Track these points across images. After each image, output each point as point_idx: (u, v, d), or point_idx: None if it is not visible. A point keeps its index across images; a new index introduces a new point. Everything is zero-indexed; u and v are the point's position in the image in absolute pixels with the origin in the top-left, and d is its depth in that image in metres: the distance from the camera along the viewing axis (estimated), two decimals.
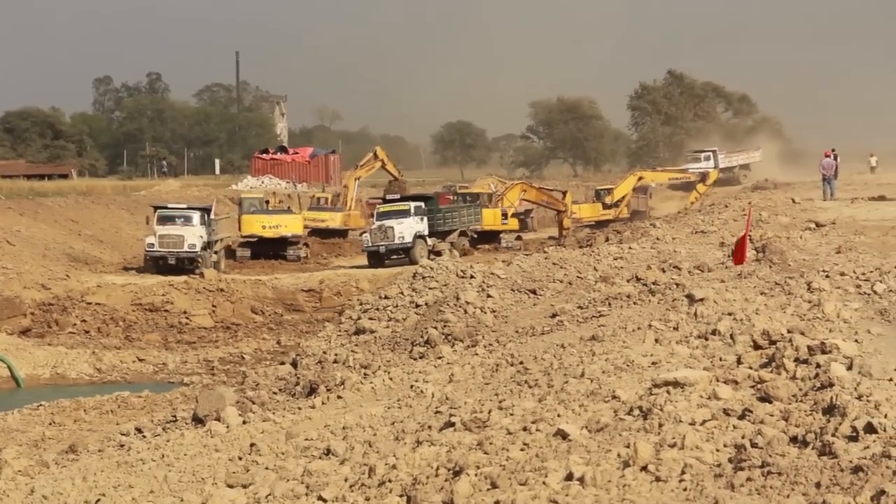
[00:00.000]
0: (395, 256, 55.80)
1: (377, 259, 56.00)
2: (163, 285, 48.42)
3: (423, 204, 59.32)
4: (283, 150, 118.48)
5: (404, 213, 58.02)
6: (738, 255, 25.36)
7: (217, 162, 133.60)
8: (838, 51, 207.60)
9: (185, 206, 60.25)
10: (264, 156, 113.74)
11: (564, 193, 71.46)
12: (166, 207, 58.37)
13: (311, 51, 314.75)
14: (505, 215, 66.15)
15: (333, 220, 71.63)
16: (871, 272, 22.30)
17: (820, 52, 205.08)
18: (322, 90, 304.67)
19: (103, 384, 37.17)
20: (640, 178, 77.66)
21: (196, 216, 56.29)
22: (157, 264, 54.53)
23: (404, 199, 61.52)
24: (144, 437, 22.14)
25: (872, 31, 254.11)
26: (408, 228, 56.97)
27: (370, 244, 56.72)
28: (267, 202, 69.24)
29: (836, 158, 54.75)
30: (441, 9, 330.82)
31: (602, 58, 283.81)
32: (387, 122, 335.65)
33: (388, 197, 64.59)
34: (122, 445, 21.17)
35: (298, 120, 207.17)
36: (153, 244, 54.68)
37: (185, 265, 54.42)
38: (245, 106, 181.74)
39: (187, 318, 46.45)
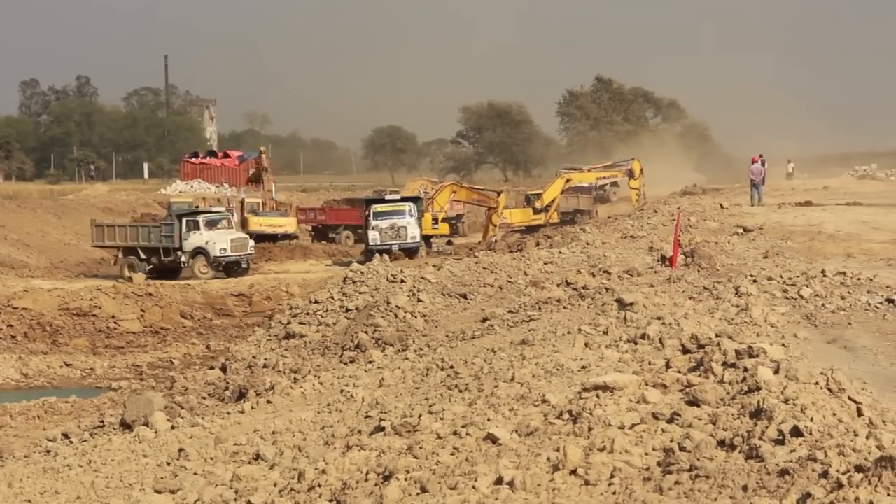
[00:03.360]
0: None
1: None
2: (90, 290, 48.02)
3: (415, 204, 60.31)
4: (213, 154, 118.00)
5: (402, 213, 58.57)
6: (672, 259, 25.74)
7: (146, 166, 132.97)
8: (758, 57, 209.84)
9: (223, 209, 62.29)
10: (193, 160, 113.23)
11: (499, 193, 71.63)
12: (210, 212, 59.09)
13: (241, 54, 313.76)
14: (435, 220, 65.88)
15: (290, 224, 72.70)
16: (798, 277, 22.52)
17: (742, 59, 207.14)
18: (252, 94, 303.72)
19: (30, 389, 36.83)
20: (568, 181, 77.63)
21: (231, 220, 58.14)
22: (225, 268, 54.91)
23: (404, 199, 62.46)
24: (71, 442, 21.95)
25: (787, 40, 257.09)
26: (415, 228, 57.69)
27: (379, 243, 56.73)
28: (196, 207, 69.18)
29: (763, 164, 55.19)
30: (371, 14, 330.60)
31: (532, 63, 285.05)
32: (317, 126, 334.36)
33: (388, 197, 65.09)
34: (49, 451, 20.99)
35: (228, 124, 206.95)
36: (225, 249, 54.69)
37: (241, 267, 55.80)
38: (174, 110, 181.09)
39: (115, 322, 46.07)
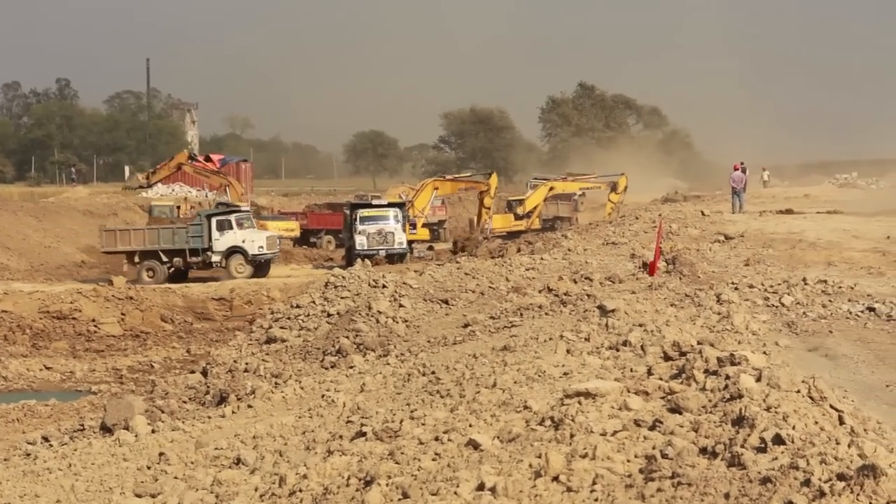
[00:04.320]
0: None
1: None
2: (71, 293, 47.89)
3: (400, 210, 60.54)
4: (194, 157, 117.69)
5: (388, 219, 58.71)
6: (652, 266, 25.74)
7: (127, 169, 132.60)
8: (740, 66, 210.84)
9: (247, 208, 64.74)
10: None
11: (490, 173, 71.35)
12: (241, 211, 60.61)
13: (223, 58, 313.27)
14: (413, 225, 65.28)
15: (297, 228, 73.63)
16: (779, 285, 22.59)
17: (724, 67, 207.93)
18: (234, 98, 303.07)
19: (9, 392, 36.69)
20: (552, 189, 77.73)
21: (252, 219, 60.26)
22: (256, 266, 55.97)
23: (390, 205, 62.51)
24: (51, 446, 21.87)
25: (769, 49, 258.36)
26: (402, 234, 57.90)
27: (366, 248, 56.77)
28: (178, 208, 69.16)
29: (745, 171, 55.32)
30: (354, 19, 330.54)
31: (514, 69, 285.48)
32: (298, 130, 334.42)
33: (375, 202, 65.07)
34: (29, 454, 20.90)
35: (209, 128, 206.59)
36: (262, 247, 55.94)
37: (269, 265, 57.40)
38: (155, 113, 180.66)
39: (96, 326, 45.92)
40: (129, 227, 61.29)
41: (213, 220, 55.56)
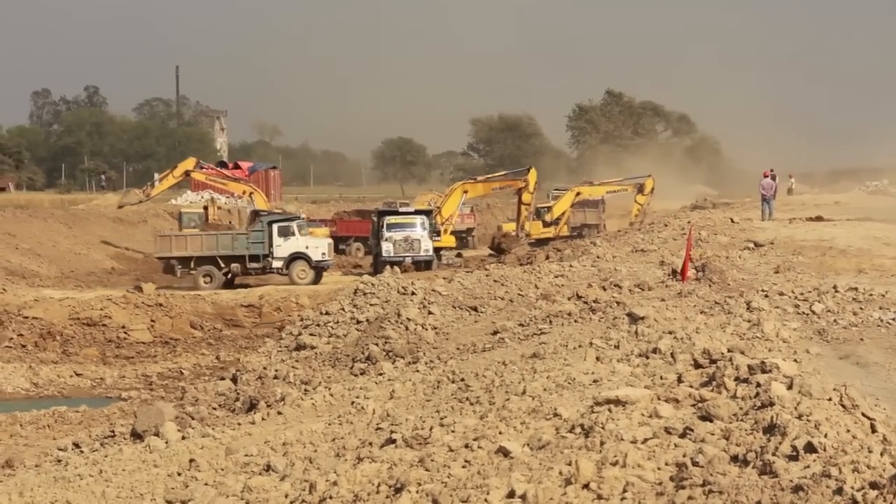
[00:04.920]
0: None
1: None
2: (101, 300, 48.03)
3: (427, 217, 61.09)
4: (223, 164, 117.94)
5: (415, 226, 58.88)
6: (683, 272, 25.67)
7: (156, 176, 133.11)
8: (768, 72, 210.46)
9: (302, 215, 65.02)
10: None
11: (528, 169, 70.84)
12: (299, 218, 61.02)
13: (251, 66, 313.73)
14: (437, 232, 64.62)
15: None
16: (810, 292, 22.48)
17: (752, 73, 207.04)
18: (262, 106, 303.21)
19: (40, 399, 36.85)
20: (578, 194, 77.53)
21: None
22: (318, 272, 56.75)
23: (417, 212, 63.04)
24: (82, 452, 21.96)
25: (798, 55, 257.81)
26: (428, 241, 58.06)
27: (392, 255, 57.01)
28: (205, 209, 69.36)
29: (774, 179, 55.13)
30: (382, 26, 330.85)
31: (540, 76, 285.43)
32: (327, 137, 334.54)
33: (402, 210, 65.16)
34: (60, 461, 21.01)
35: (238, 135, 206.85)
36: (325, 253, 56.88)
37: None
38: (185, 120, 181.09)
39: (125, 332, 46.05)
40: (185, 232, 61.43)
41: (275, 227, 55.92)
